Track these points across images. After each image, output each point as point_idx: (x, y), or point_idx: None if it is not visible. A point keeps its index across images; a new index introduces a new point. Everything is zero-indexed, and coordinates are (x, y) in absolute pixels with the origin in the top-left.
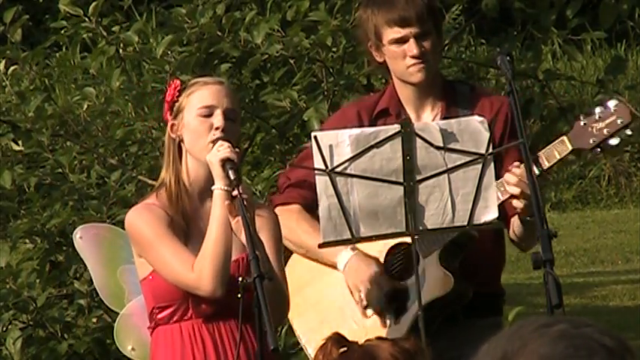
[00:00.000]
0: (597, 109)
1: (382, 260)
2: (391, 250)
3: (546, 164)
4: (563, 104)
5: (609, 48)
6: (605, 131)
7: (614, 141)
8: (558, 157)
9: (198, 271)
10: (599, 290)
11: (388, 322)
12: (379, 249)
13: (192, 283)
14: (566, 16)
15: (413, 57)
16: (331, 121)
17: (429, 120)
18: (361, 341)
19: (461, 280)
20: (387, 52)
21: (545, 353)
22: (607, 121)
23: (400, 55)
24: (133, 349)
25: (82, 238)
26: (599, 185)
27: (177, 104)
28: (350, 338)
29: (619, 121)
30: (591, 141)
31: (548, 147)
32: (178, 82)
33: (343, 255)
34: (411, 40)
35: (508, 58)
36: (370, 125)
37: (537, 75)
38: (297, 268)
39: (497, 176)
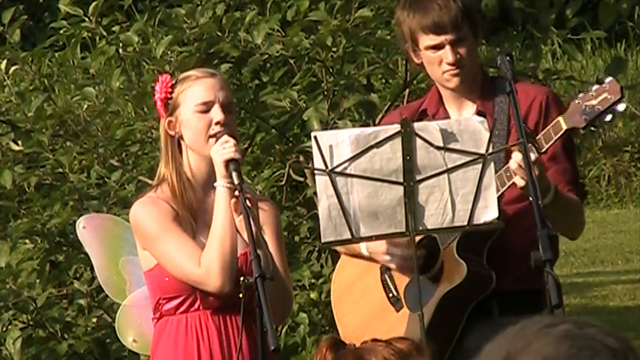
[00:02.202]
0: (594, 87)
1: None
2: (417, 244)
3: (544, 145)
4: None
5: (609, 48)
6: (596, 108)
7: (608, 117)
8: (554, 137)
9: (206, 266)
10: (599, 290)
11: (411, 317)
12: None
13: (199, 278)
14: (565, 15)
15: (448, 64)
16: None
17: (470, 115)
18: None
19: (478, 269)
20: (424, 56)
21: (548, 353)
22: (599, 98)
23: (436, 62)
24: (134, 340)
25: (86, 228)
26: (599, 185)
27: (171, 101)
28: (382, 337)
29: (610, 97)
30: (584, 119)
31: (545, 129)
32: (168, 76)
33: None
34: (447, 48)
35: (508, 58)
36: None
37: (537, 75)
38: (346, 269)
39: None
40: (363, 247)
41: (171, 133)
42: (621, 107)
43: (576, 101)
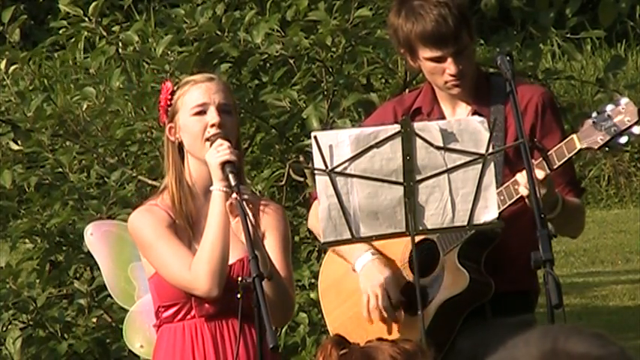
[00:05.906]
0: (608, 107)
1: (407, 255)
2: (416, 246)
3: (556, 162)
4: (562, 104)
5: (609, 48)
6: (612, 130)
7: (623, 139)
8: (567, 155)
9: (195, 271)
10: (599, 290)
11: (404, 320)
12: (404, 244)
13: (188, 283)
14: (565, 15)
15: (451, 75)
16: (371, 118)
17: (464, 114)
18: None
19: (479, 277)
20: (424, 65)
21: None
22: (615, 120)
23: (439, 72)
24: (141, 346)
25: (93, 235)
26: (599, 185)
27: (171, 108)
28: (374, 336)
29: (626, 120)
30: (599, 139)
31: (558, 145)
32: (170, 84)
33: (362, 258)
34: (449, 60)
35: (508, 58)
36: None
37: (537, 75)
38: (336, 262)
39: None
40: (358, 265)
41: (172, 139)
42: (637, 130)
43: (590, 121)
